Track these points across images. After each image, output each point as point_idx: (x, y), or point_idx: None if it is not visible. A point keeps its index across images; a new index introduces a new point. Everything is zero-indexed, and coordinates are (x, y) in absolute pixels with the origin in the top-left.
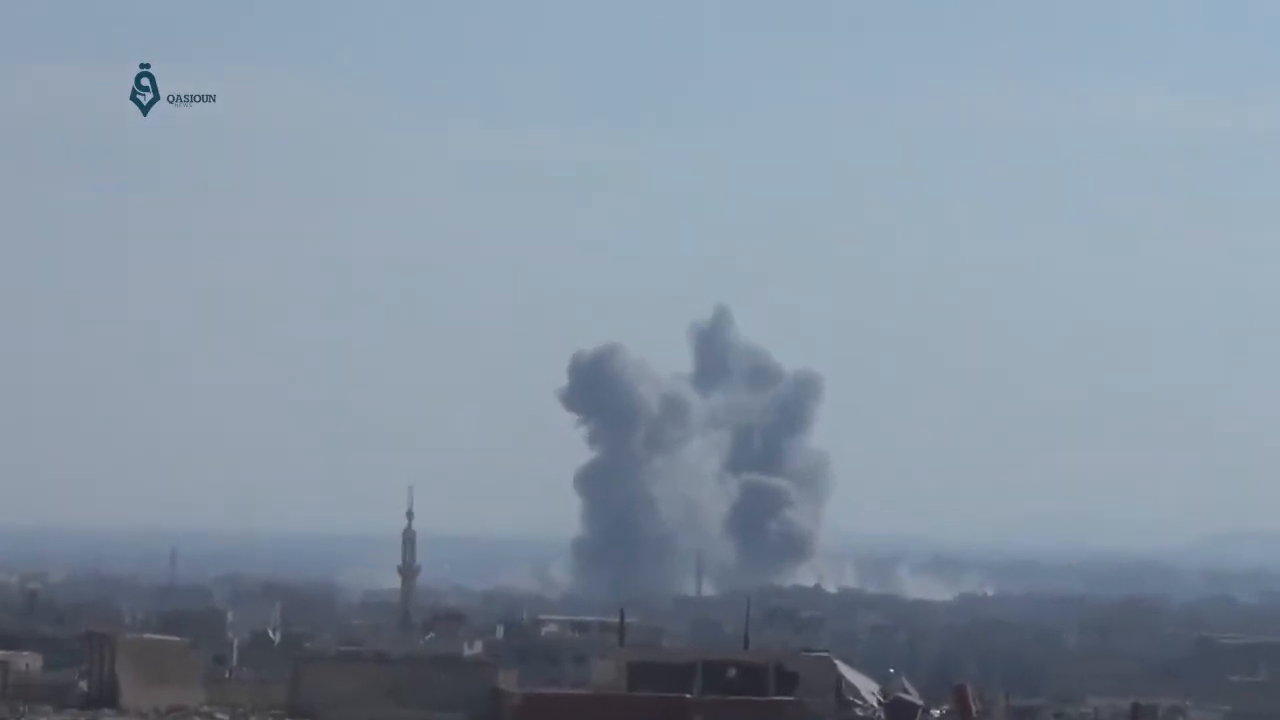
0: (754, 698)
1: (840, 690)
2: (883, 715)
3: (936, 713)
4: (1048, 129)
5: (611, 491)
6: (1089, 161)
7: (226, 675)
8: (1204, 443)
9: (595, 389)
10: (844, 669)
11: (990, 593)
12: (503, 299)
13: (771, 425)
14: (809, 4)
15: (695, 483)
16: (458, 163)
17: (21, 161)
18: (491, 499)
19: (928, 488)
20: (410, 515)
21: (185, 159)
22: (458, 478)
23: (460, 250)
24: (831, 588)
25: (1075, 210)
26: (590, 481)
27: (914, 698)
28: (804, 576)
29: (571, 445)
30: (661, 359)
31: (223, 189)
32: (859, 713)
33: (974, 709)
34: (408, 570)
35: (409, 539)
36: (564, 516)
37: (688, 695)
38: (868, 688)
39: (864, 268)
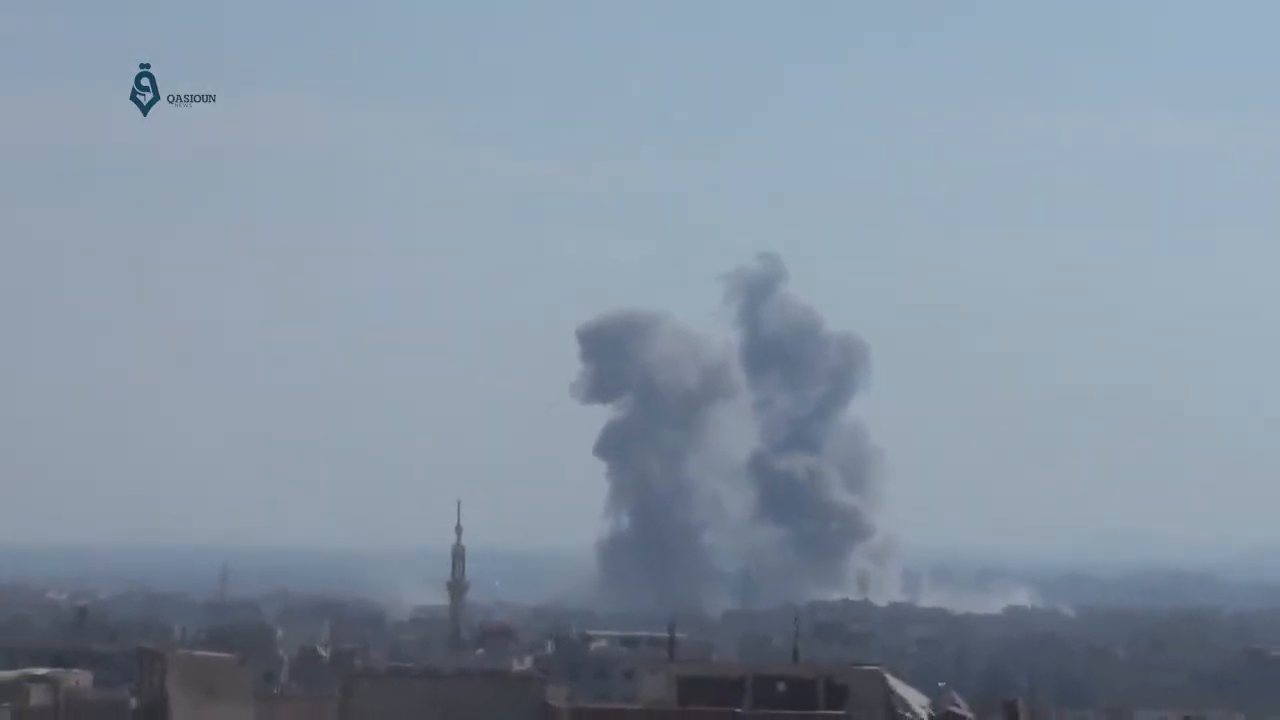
0: (804, 712)
1: (890, 704)
2: None
3: None
4: (1083, 138)
5: (641, 477)
6: (1130, 170)
7: (276, 692)
8: (1254, 453)
9: (618, 363)
10: (894, 682)
11: (1039, 605)
12: (532, 306)
13: (815, 410)
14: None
15: (730, 468)
16: (467, 174)
17: (21, 163)
18: (534, 509)
19: (974, 499)
20: (459, 530)
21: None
22: (501, 490)
23: (488, 258)
24: (881, 601)
25: (1135, 218)
26: (614, 458)
27: (964, 711)
28: (850, 580)
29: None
30: (701, 324)
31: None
32: None
33: None
34: (457, 586)
35: (458, 554)
36: (599, 521)
37: (738, 710)
38: (918, 701)
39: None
